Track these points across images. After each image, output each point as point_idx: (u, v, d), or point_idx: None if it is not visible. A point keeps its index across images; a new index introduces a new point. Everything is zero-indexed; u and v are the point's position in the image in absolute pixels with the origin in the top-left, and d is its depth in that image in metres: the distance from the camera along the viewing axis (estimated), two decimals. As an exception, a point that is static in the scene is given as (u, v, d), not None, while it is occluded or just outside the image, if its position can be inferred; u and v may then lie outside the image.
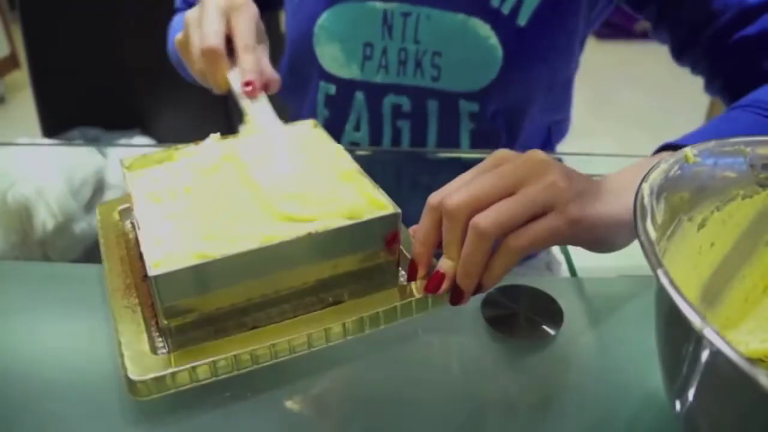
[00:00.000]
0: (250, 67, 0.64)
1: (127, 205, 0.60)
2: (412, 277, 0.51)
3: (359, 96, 0.82)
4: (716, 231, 0.47)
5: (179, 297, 0.45)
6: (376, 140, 0.84)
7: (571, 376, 0.51)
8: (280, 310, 0.49)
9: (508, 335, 0.53)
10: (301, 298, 0.49)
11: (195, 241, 0.46)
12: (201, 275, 0.45)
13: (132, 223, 0.59)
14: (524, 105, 0.80)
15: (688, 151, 0.46)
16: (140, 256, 0.54)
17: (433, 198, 0.49)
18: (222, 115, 1.54)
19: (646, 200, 0.42)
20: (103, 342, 0.52)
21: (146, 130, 1.57)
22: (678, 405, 0.39)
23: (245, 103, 0.64)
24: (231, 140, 0.59)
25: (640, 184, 0.43)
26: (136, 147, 1.22)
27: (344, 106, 0.83)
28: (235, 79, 0.65)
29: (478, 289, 0.49)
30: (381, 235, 0.50)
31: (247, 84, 0.63)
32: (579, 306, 0.56)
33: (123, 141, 1.44)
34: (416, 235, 0.51)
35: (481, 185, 0.48)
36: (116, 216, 0.60)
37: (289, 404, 0.48)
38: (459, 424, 0.47)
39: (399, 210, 0.49)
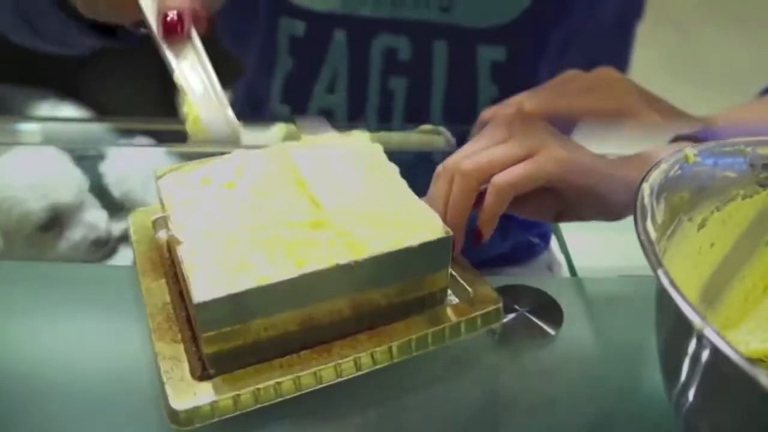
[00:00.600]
0: None
1: (162, 215, 0.54)
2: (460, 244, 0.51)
3: (339, 37, 0.62)
4: (716, 231, 0.47)
5: (224, 324, 0.42)
6: (357, 108, 0.65)
7: (571, 376, 0.51)
8: (319, 335, 0.46)
9: (508, 335, 0.52)
10: (346, 323, 0.47)
11: (247, 264, 0.43)
12: (250, 300, 0.42)
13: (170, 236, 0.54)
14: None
15: (688, 151, 0.46)
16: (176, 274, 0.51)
17: (445, 165, 0.50)
18: (157, 79, 1.31)
19: (646, 200, 0.42)
20: (103, 343, 0.52)
21: (58, 90, 1.30)
22: (678, 405, 0.39)
23: (169, 56, 0.46)
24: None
25: (640, 183, 0.43)
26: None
27: (316, 54, 0.63)
28: (148, 8, 0.46)
29: (478, 238, 0.50)
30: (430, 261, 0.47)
31: (168, 21, 0.45)
32: (579, 306, 0.56)
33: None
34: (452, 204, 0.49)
35: (482, 151, 0.49)
36: (149, 225, 0.56)
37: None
38: (458, 423, 0.47)
39: (450, 233, 0.45)
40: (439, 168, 0.50)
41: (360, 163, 0.51)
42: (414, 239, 0.45)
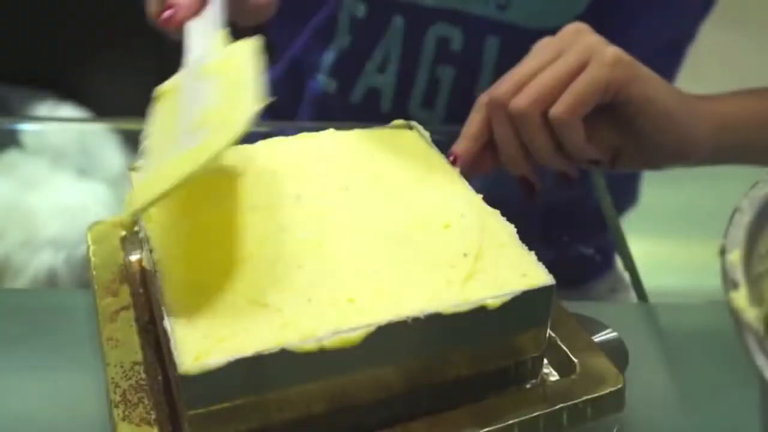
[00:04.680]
0: None
1: (135, 230, 0.48)
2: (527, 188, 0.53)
3: (398, 22, 0.68)
4: None
5: (221, 401, 0.33)
6: (404, 90, 0.71)
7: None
8: (356, 420, 0.37)
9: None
10: (395, 404, 0.37)
11: (258, 316, 0.34)
12: (259, 369, 0.32)
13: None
14: None
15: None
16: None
17: (483, 96, 0.51)
18: (157, 79, 1.42)
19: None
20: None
21: (57, 90, 1.34)
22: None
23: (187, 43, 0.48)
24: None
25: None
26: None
27: (373, 35, 0.70)
28: None
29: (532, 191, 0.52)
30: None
31: (167, 8, 0.48)
32: (650, 343, 0.50)
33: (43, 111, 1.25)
34: (465, 131, 0.51)
35: (523, 68, 0.50)
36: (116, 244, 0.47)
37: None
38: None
39: (552, 280, 0.37)
40: (483, 98, 0.51)
41: (411, 168, 0.45)
42: (498, 288, 0.35)
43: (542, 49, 0.51)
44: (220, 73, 0.42)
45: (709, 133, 0.54)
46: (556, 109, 0.48)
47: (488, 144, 0.51)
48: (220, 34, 0.46)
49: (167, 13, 0.47)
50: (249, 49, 0.43)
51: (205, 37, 0.48)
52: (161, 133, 0.41)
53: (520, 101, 0.48)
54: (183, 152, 0.36)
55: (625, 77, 0.49)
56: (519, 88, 0.49)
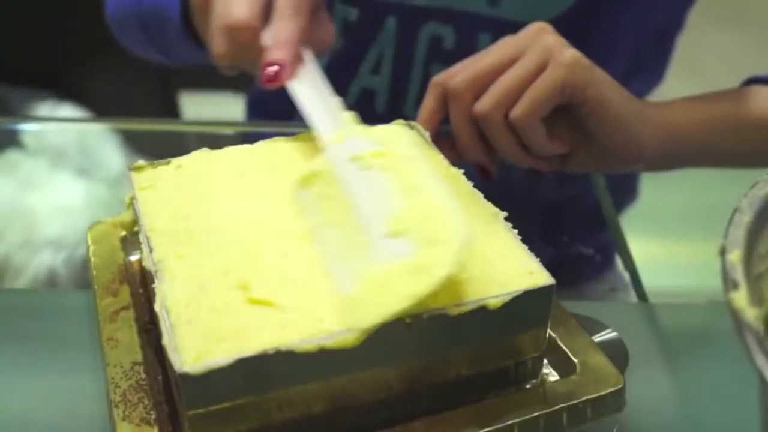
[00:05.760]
0: (284, 36, 0.48)
1: (134, 230, 0.47)
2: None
3: (390, 23, 0.68)
4: None
5: (221, 400, 0.33)
6: (398, 91, 0.71)
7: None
8: (356, 420, 0.36)
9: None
10: (395, 404, 0.37)
11: (257, 316, 0.34)
12: (259, 369, 0.32)
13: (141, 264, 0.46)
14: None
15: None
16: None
17: (437, 77, 0.53)
18: (157, 79, 1.39)
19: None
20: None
21: (57, 90, 1.35)
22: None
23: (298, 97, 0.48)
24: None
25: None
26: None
27: (366, 38, 0.70)
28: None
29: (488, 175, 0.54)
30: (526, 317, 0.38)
31: (269, 65, 0.47)
32: (650, 343, 0.49)
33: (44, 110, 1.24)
34: (420, 114, 0.53)
35: (482, 63, 0.52)
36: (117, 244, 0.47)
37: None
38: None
39: (552, 280, 0.37)
40: (437, 79, 0.53)
41: (406, 165, 0.43)
42: (498, 288, 0.35)
43: (502, 46, 0.52)
44: (386, 168, 0.41)
45: (657, 140, 0.55)
46: (515, 112, 0.50)
47: (450, 142, 0.53)
48: (344, 112, 0.47)
49: (271, 71, 0.47)
50: (406, 137, 0.46)
51: (321, 106, 0.48)
52: (334, 223, 0.39)
53: (484, 105, 0.50)
54: (396, 263, 0.35)
55: (581, 79, 0.50)
56: (476, 80, 0.51)
